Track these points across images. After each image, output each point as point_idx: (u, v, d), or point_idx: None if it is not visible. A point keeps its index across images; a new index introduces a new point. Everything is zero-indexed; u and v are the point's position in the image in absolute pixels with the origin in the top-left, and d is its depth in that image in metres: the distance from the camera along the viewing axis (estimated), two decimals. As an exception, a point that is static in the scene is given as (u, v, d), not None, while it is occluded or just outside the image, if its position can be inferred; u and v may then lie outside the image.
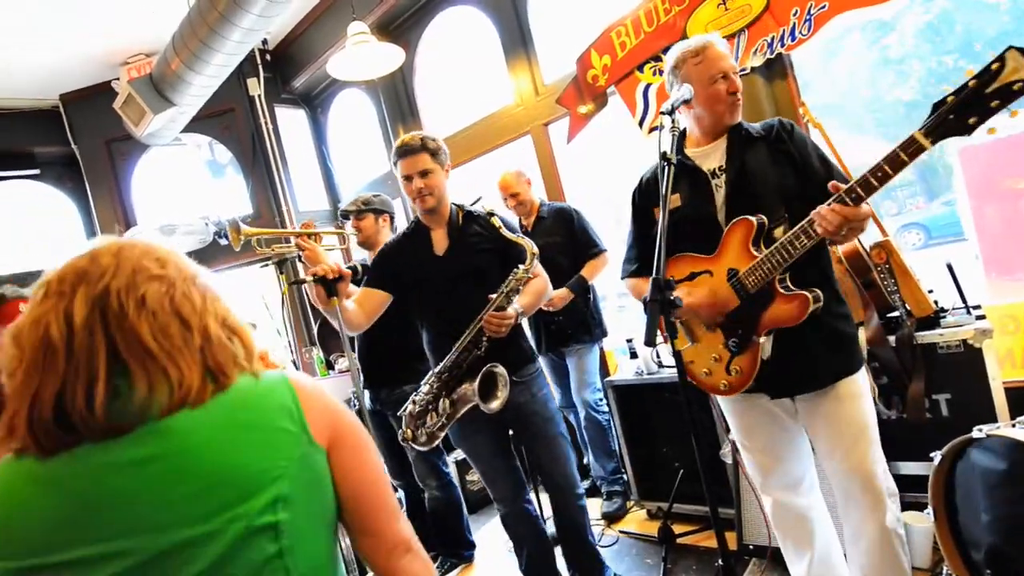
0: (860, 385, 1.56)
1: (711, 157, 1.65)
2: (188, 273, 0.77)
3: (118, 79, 4.00)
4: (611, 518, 3.02)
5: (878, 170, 1.27)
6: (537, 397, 2.10)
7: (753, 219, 1.49)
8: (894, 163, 1.25)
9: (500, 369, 1.94)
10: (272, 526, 0.68)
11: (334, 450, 0.76)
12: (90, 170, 4.34)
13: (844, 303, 1.60)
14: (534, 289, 2.05)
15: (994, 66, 1.13)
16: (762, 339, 1.52)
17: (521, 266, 1.94)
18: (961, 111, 1.16)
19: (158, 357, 0.68)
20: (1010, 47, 1.13)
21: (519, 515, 2.23)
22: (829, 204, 1.34)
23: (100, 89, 4.16)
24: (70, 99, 4.27)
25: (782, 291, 1.47)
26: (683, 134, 1.69)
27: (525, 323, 2.33)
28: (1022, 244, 2.76)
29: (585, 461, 3.31)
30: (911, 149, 1.22)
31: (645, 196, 1.79)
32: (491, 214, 2.02)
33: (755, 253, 1.48)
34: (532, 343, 2.22)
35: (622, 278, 1.87)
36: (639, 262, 1.80)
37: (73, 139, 4.31)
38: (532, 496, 2.29)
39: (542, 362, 2.96)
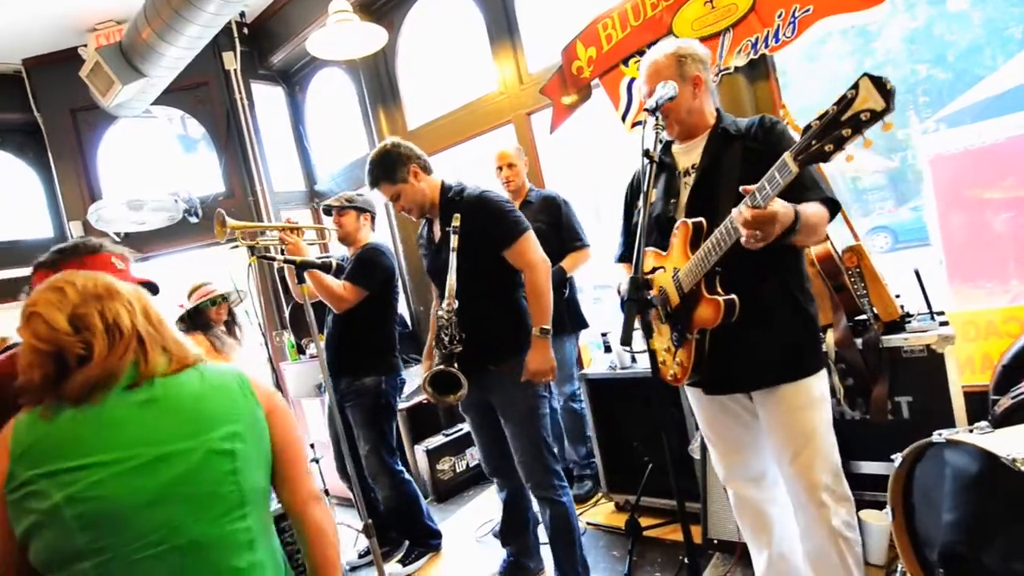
0: (810, 393, 1.56)
1: (689, 155, 1.67)
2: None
3: (85, 46, 3.82)
4: (580, 499, 3.09)
5: (766, 182, 1.26)
6: (514, 392, 2.08)
7: (690, 222, 1.52)
8: (771, 181, 1.25)
9: (454, 371, 1.98)
10: (229, 452, 0.98)
11: (270, 414, 1.08)
12: (54, 140, 4.16)
13: (802, 311, 1.58)
14: (532, 290, 2.05)
15: (850, 93, 1.10)
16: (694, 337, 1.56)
17: None
18: (822, 137, 1.14)
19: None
20: (864, 74, 1.09)
21: (508, 482, 2.32)
22: (738, 208, 1.32)
23: (66, 55, 3.97)
24: (33, 64, 4.07)
25: (705, 293, 1.50)
26: None
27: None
28: (986, 252, 2.84)
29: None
30: (784, 171, 1.22)
31: (631, 191, 1.86)
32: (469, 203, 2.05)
33: (690, 254, 1.52)
34: (522, 338, 2.13)
35: (615, 262, 1.94)
36: (623, 248, 1.90)
37: (36, 107, 4.12)
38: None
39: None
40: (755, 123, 1.60)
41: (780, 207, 1.30)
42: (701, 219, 1.52)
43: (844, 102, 1.11)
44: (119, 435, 0.93)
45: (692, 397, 1.81)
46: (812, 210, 1.41)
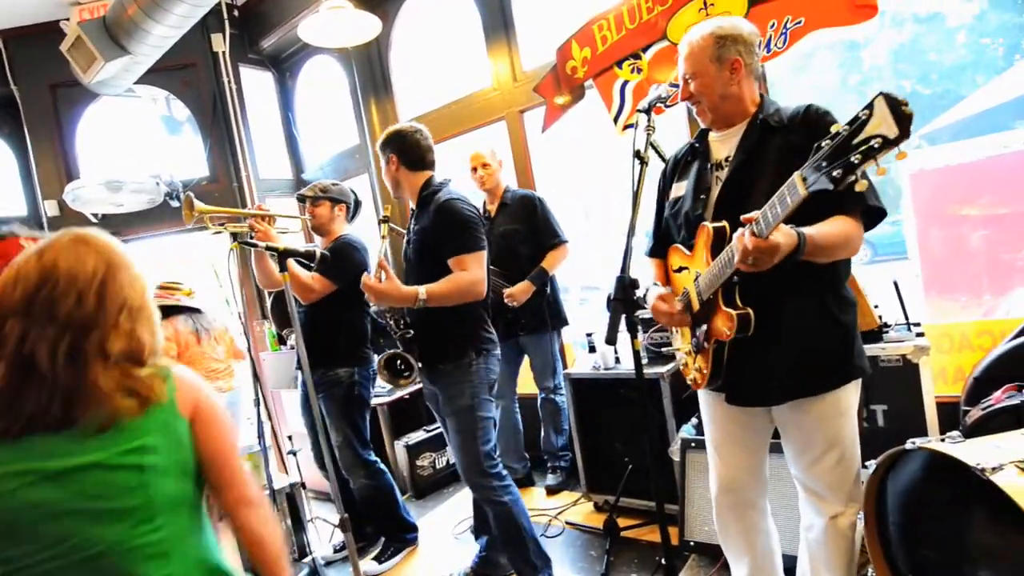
0: (836, 405, 1.48)
1: (725, 145, 1.55)
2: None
3: (68, 19, 3.71)
4: (552, 490, 3.17)
5: (771, 206, 1.18)
6: (454, 391, 2.09)
7: (711, 227, 1.43)
8: (781, 202, 1.15)
9: (407, 356, 2.09)
10: (136, 466, 0.94)
11: (195, 422, 1.02)
12: (31, 115, 4.04)
13: (832, 319, 1.45)
14: (452, 279, 1.99)
15: (863, 114, 0.98)
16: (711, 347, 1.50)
17: None
18: (832, 160, 1.02)
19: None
20: (880, 93, 0.96)
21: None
22: (739, 233, 1.25)
23: (47, 28, 3.84)
24: (12, 36, 3.94)
25: (721, 305, 1.41)
26: None
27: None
28: (962, 267, 2.92)
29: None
30: (793, 193, 1.12)
31: (664, 176, 1.76)
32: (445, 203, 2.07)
33: (710, 260, 1.42)
34: (468, 342, 2.11)
35: (644, 255, 1.82)
36: (653, 241, 1.78)
37: (13, 80, 3.99)
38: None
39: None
40: (799, 113, 1.44)
41: (783, 238, 1.21)
42: (724, 224, 1.41)
43: (857, 123, 0.99)
44: (22, 448, 0.90)
45: (704, 397, 1.71)
46: (832, 229, 1.31)
